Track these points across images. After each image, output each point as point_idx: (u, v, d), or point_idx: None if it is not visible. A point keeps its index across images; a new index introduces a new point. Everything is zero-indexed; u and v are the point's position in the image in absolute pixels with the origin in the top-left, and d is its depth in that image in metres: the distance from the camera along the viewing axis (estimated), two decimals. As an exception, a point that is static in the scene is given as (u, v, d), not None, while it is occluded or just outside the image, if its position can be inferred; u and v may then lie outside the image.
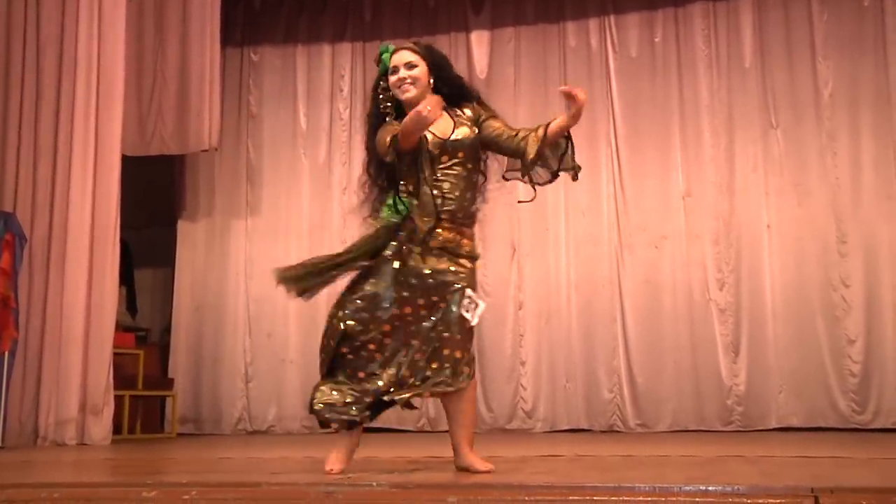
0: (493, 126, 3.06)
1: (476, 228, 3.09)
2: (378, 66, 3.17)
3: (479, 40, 6.77)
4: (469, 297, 2.93)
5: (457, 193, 3.00)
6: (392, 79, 3.10)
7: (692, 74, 6.45)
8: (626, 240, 6.36)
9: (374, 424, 6.08)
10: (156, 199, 6.99)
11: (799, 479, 2.56)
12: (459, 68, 6.14)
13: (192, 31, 6.04)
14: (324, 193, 6.82)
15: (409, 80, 3.07)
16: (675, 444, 4.68)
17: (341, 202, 6.80)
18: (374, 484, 2.36)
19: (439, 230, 2.97)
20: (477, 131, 3.06)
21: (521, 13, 6.75)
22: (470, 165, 3.04)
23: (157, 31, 6.05)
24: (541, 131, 2.95)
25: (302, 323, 6.62)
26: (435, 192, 2.98)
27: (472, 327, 2.96)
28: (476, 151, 3.07)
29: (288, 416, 6.57)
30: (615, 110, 6.48)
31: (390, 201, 3.04)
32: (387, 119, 3.10)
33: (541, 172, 3.07)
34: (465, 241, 3.03)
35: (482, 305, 2.95)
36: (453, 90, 3.16)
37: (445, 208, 2.97)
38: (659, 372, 6.12)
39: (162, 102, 6.05)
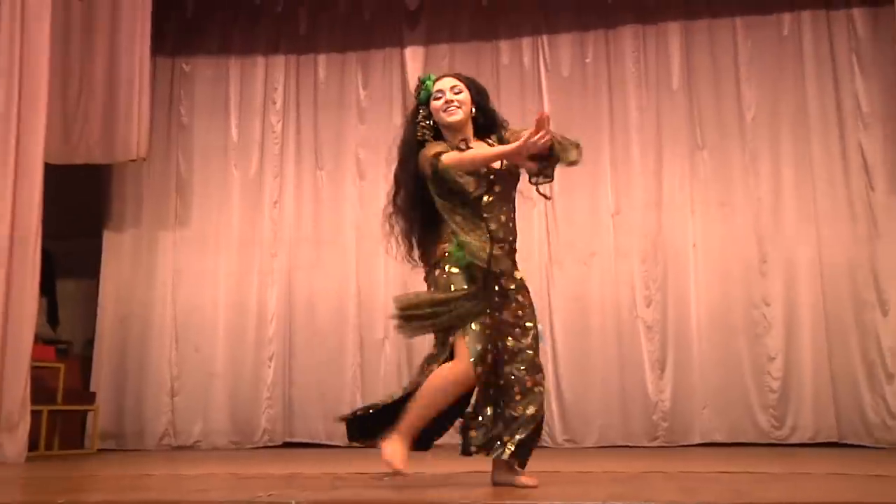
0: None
1: None
2: (418, 95, 3.24)
3: (414, 55, 6.75)
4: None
5: (511, 225, 3.11)
6: (437, 103, 3.16)
7: (622, 94, 6.50)
8: (556, 256, 6.37)
9: (303, 439, 6.29)
10: (82, 209, 6.81)
11: (717, 495, 2.58)
12: (393, 83, 6.49)
13: (121, 38, 5.90)
14: (255, 206, 6.72)
15: (455, 104, 3.14)
16: (601, 460, 4.71)
17: (272, 216, 6.73)
18: (293, 502, 2.33)
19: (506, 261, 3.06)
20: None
21: (455, 30, 6.75)
22: (514, 193, 3.14)
23: (84, 37, 5.87)
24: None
25: (230, 336, 6.56)
26: (493, 225, 3.06)
27: None
28: (516, 178, 3.15)
29: (214, 431, 6.43)
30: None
31: (454, 244, 3.04)
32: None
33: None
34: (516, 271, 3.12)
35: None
36: (488, 121, 3.24)
37: (509, 238, 3.08)
38: (587, 388, 6.13)
39: (88, 111, 5.88)
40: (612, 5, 6.56)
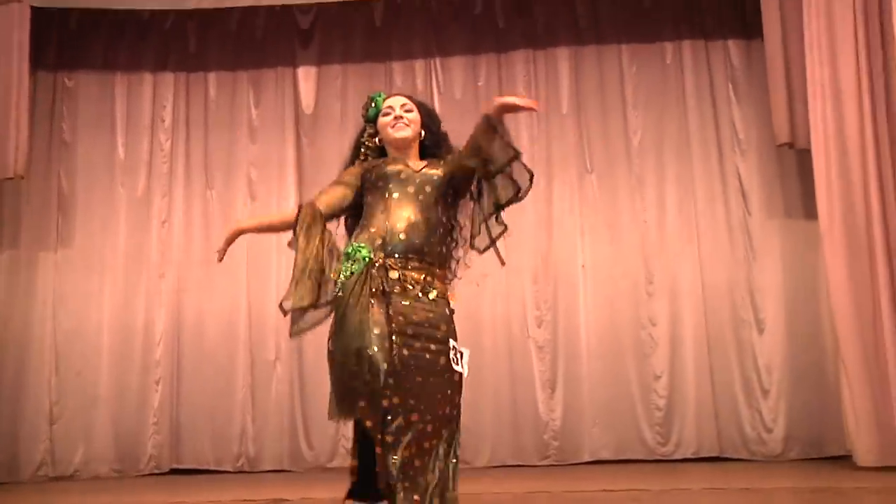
0: (452, 159, 3.09)
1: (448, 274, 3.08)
2: (366, 113, 3.22)
3: (307, 75, 6.70)
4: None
5: (422, 229, 2.99)
6: (386, 118, 3.14)
7: (514, 118, 5.93)
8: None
9: (191, 466, 6.20)
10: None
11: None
12: (286, 102, 6.38)
13: (-3, 51, 5.60)
14: (142, 226, 6.55)
15: (405, 120, 3.13)
16: (490, 481, 4.80)
17: (160, 235, 6.57)
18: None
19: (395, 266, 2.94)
20: (447, 175, 3.07)
21: (348, 50, 6.71)
22: (438, 206, 3.04)
23: (-42, 49, 5.59)
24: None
25: (115, 360, 6.38)
26: (393, 221, 2.98)
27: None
28: (445, 195, 3.06)
29: (96, 459, 6.21)
30: None
31: (349, 250, 2.97)
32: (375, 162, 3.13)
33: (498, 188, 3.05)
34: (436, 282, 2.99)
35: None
36: (434, 144, 3.21)
37: (411, 240, 2.96)
38: (479, 407, 6.09)
39: (-39, 126, 5.58)
40: (503, 30, 6.62)
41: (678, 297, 6.25)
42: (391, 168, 3.07)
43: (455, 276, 3.13)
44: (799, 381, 6.00)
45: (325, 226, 3.01)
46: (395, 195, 3.02)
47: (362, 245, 2.97)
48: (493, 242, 3.07)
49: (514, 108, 2.93)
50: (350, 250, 2.97)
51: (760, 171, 6.28)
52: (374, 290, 2.89)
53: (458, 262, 3.14)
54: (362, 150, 3.21)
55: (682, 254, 6.28)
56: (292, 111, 6.65)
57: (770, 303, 6.13)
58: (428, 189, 3.03)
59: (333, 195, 3.10)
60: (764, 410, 5.99)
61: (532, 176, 3.00)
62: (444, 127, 5.76)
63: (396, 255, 2.95)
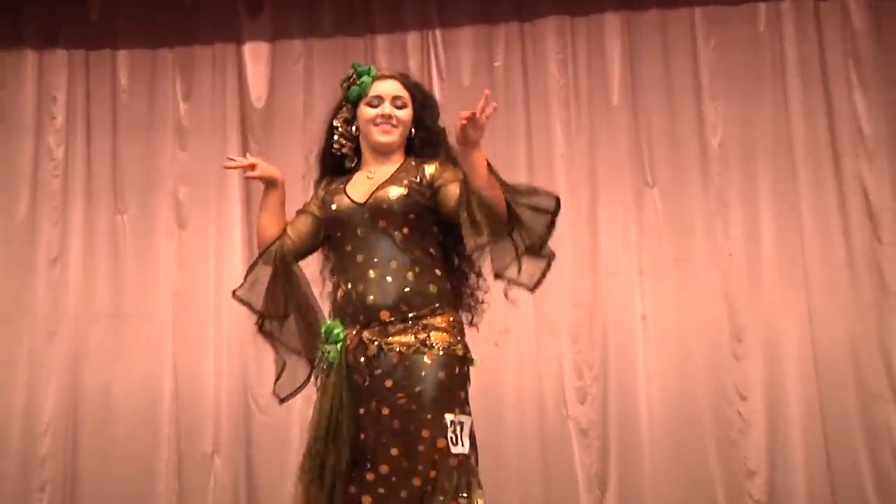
0: (452, 195, 3.18)
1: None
2: (348, 89, 3.40)
3: (256, 55, 6.49)
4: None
5: (392, 280, 3.19)
6: (370, 111, 3.34)
7: (544, 111, 6.32)
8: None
9: None
10: None
11: None
12: (227, 93, 6.57)
13: None
14: (23, 265, 6.32)
15: (393, 121, 3.33)
16: None
17: (50, 279, 6.34)
18: None
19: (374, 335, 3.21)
20: (427, 194, 3.25)
21: (313, 20, 6.51)
22: (411, 235, 3.24)
23: None
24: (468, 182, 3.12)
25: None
26: (355, 282, 3.24)
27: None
28: (420, 217, 3.25)
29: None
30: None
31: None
32: (346, 165, 3.44)
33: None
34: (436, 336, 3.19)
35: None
36: (426, 142, 3.41)
37: (383, 301, 3.19)
38: (499, 513, 5.87)
39: None
40: (528, -13, 6.48)
41: (779, 359, 5.98)
42: (337, 205, 3.32)
43: (475, 310, 3.48)
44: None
45: (292, 275, 3.39)
46: (348, 248, 3.27)
47: (335, 323, 3.25)
48: (536, 283, 3.30)
49: (469, 132, 3.02)
50: (325, 329, 3.25)
51: (895, 182, 6.03)
52: (352, 383, 3.19)
53: (472, 291, 3.46)
54: (335, 139, 3.41)
55: (784, 299, 6.02)
56: (236, 105, 6.46)
57: (912, 366, 5.89)
58: (382, 224, 3.23)
59: (303, 225, 3.44)
60: (908, 520, 5.71)
61: (557, 208, 3.19)
62: (450, 126, 5.78)
63: (372, 324, 3.19)
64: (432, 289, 3.22)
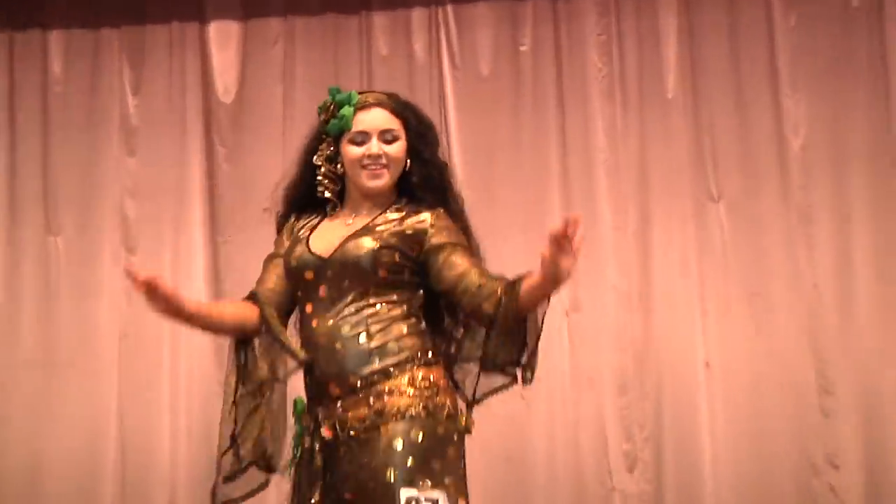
0: (455, 264, 3.17)
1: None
2: (327, 122, 3.34)
3: (223, 37, 6.36)
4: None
5: (338, 346, 3.17)
6: (355, 151, 3.26)
7: (582, 107, 6.16)
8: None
9: None
10: None
11: None
12: (188, 84, 6.42)
13: None
14: None
15: (383, 161, 3.26)
16: None
17: None
18: None
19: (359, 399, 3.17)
20: (416, 250, 3.22)
21: None
22: (379, 291, 3.20)
23: None
24: (516, 287, 3.03)
25: None
26: (313, 349, 3.19)
27: None
28: (396, 274, 3.21)
29: None
30: (452, 159, 6.10)
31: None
32: (328, 207, 3.36)
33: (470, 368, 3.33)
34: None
35: None
36: (424, 182, 3.34)
37: (323, 373, 3.18)
38: None
39: None
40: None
41: (879, 417, 5.81)
42: (297, 259, 3.28)
43: (463, 378, 3.37)
44: None
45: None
46: (308, 309, 3.25)
47: (299, 400, 3.27)
48: (480, 397, 3.33)
49: (563, 263, 2.90)
50: (295, 410, 3.30)
51: None
52: (311, 473, 3.20)
53: (457, 346, 3.39)
54: (319, 181, 3.35)
55: (885, 342, 5.85)
56: (198, 99, 6.37)
57: None
58: (345, 283, 3.20)
59: (277, 281, 3.35)
60: None
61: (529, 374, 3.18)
62: (464, 128, 6.07)
63: (324, 401, 3.19)
64: (392, 346, 3.18)
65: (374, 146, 3.26)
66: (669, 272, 6.05)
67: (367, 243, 3.22)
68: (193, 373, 5.98)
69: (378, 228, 3.25)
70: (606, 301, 6.02)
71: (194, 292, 6.12)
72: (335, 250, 3.24)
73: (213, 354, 5.68)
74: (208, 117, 6.34)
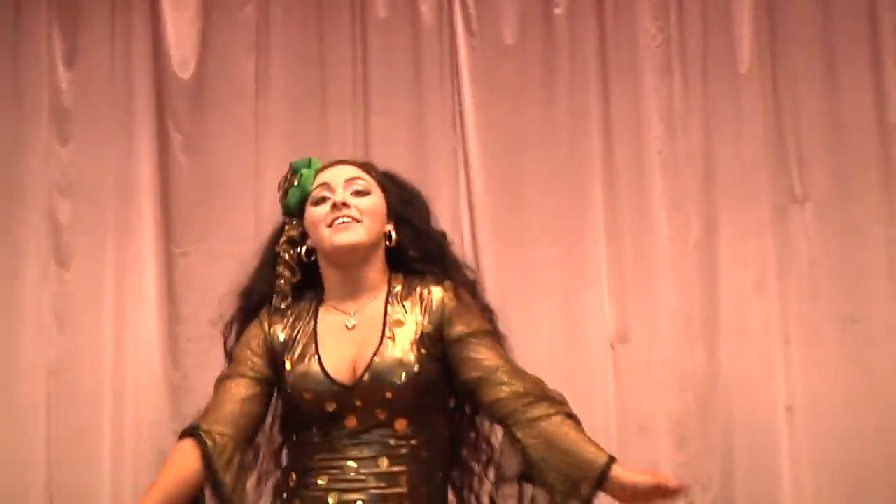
0: (482, 357, 3.18)
1: None
2: (284, 197, 3.41)
3: (179, 5, 6.18)
4: None
5: (383, 485, 3.18)
6: (318, 210, 3.28)
7: (631, 85, 5.98)
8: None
9: None
10: None
11: None
12: (135, 54, 6.33)
13: None
14: None
15: (352, 212, 3.24)
16: None
17: None
18: None
19: None
20: (438, 348, 3.22)
21: None
22: (420, 420, 3.23)
23: None
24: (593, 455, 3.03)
25: None
26: (314, 477, 3.20)
27: None
28: (436, 394, 3.26)
29: None
30: (468, 151, 6.10)
31: None
32: (281, 305, 3.33)
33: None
34: None
35: None
36: (423, 256, 3.38)
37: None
38: None
39: None
40: None
41: None
42: (305, 380, 3.20)
43: None
44: None
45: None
46: (316, 438, 3.22)
47: None
48: None
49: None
50: None
51: None
52: None
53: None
54: (281, 268, 3.34)
55: None
56: (149, 74, 6.16)
57: None
58: (380, 416, 3.19)
59: (232, 409, 3.24)
60: None
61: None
62: (482, 110, 6.11)
63: None
64: (441, 488, 3.27)
65: (339, 194, 3.23)
66: (741, 293, 5.86)
67: (403, 364, 3.19)
68: (142, 418, 5.77)
69: (403, 329, 3.21)
70: (662, 329, 5.86)
71: (143, 317, 6.12)
72: (363, 372, 3.17)
73: (166, 396, 5.62)
74: (161, 97, 6.14)
